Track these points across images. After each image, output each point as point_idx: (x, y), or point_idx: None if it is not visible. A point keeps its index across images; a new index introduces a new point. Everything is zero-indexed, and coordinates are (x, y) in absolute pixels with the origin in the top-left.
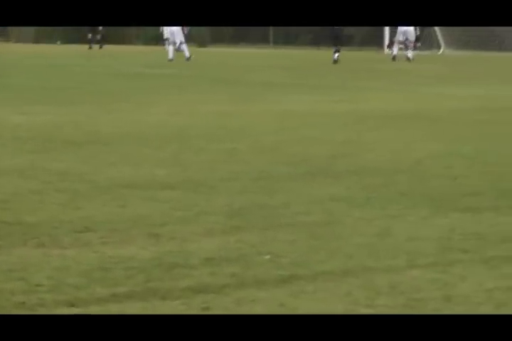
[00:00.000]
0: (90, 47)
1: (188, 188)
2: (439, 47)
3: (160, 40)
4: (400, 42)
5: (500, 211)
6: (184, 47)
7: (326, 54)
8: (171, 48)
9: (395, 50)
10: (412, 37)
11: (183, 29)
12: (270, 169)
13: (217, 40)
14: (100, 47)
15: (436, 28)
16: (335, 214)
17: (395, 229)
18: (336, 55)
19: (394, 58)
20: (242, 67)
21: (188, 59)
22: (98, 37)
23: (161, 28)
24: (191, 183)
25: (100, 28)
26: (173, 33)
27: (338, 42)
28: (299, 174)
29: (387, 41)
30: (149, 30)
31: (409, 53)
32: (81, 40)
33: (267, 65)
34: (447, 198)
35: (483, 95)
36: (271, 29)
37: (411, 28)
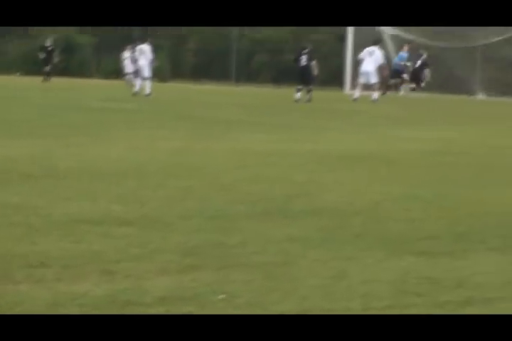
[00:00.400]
0: (48, 80)
1: (144, 225)
2: (400, 88)
3: (120, 74)
4: (361, 85)
5: (455, 255)
6: (148, 83)
7: (286, 92)
8: (138, 81)
9: (357, 92)
10: (373, 79)
11: (152, 63)
12: (227, 208)
13: (177, 76)
14: (47, 80)
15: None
16: (291, 255)
17: (350, 272)
18: (309, 95)
19: (355, 100)
20: (203, 104)
21: (148, 95)
22: (48, 68)
23: (124, 62)
24: (148, 220)
25: (56, 60)
26: (142, 67)
27: (306, 81)
28: (256, 213)
29: (348, 81)
30: (110, 64)
31: (374, 95)
32: (40, 71)
33: (227, 102)
34: (403, 241)
35: (442, 138)
36: (233, 66)
37: (372, 70)
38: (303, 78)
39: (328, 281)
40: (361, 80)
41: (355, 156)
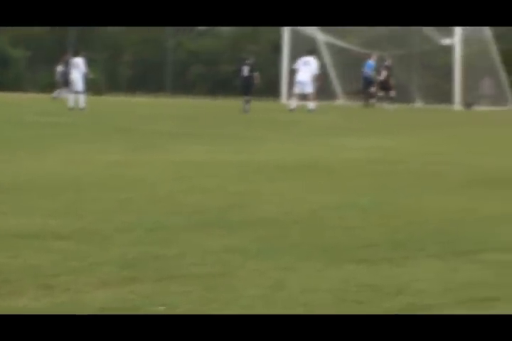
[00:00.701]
0: None
1: (81, 238)
2: (335, 97)
3: (54, 88)
4: (297, 95)
5: (394, 262)
6: (82, 97)
7: (223, 103)
8: (71, 96)
9: (294, 102)
10: (309, 89)
11: (85, 76)
12: (165, 219)
13: (113, 88)
14: None
15: (334, 78)
16: (229, 266)
17: (289, 281)
18: (247, 105)
19: (292, 110)
20: (139, 116)
21: (83, 109)
22: None
23: (57, 75)
24: (85, 233)
25: None
26: (75, 81)
27: (248, 92)
28: (194, 225)
29: (285, 91)
30: (44, 77)
31: (310, 104)
32: None
33: (164, 114)
34: (342, 249)
35: (380, 146)
36: (169, 77)
37: (307, 80)
38: (244, 89)
39: (268, 291)
40: (297, 90)
41: (293, 166)
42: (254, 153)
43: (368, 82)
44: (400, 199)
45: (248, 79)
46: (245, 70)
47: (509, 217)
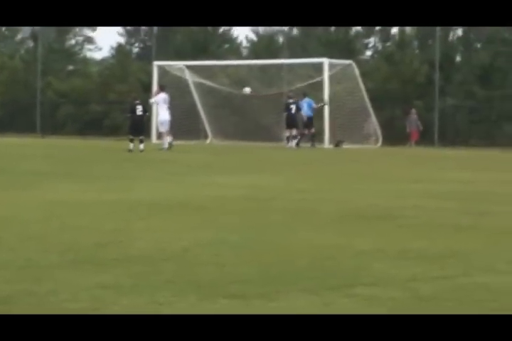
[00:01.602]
0: None
1: None
2: (206, 136)
3: None
4: (167, 133)
5: (268, 297)
6: None
7: (94, 143)
8: None
9: (165, 141)
10: (165, 127)
11: None
12: (37, 257)
13: None
14: None
15: (204, 118)
16: (103, 302)
17: None
18: (142, 145)
19: (164, 149)
20: (9, 156)
21: None
22: None
23: None
24: None
25: None
26: None
27: (141, 131)
28: (67, 262)
29: (154, 131)
30: None
31: (166, 142)
32: None
33: (34, 154)
34: (215, 285)
35: (248, 184)
36: (38, 118)
37: (166, 119)
38: (138, 128)
39: None
40: (163, 129)
41: (165, 204)
42: (127, 192)
43: (310, 122)
44: (272, 235)
45: (141, 119)
46: (139, 110)
47: (380, 252)
